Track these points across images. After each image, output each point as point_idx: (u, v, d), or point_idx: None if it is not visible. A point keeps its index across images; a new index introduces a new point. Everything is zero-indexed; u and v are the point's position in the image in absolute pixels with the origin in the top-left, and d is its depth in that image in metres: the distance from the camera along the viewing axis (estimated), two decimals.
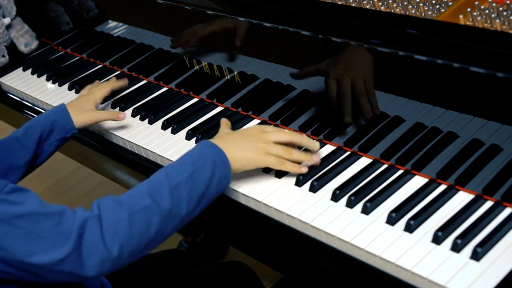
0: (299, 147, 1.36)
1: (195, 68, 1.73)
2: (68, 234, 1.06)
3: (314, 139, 1.42)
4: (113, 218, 1.09)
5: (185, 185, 1.17)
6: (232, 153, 1.25)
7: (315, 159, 1.34)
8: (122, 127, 1.67)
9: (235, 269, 1.55)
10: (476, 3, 1.29)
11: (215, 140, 1.27)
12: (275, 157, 1.29)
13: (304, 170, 1.32)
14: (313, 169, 1.35)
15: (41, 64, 2.09)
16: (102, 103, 1.72)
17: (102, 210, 1.11)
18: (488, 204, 1.18)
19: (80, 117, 1.57)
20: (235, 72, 1.61)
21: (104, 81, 1.87)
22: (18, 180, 1.48)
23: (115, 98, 1.79)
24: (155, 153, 1.54)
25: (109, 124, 1.68)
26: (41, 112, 1.87)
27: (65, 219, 1.07)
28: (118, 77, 1.91)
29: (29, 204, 1.07)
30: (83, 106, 1.61)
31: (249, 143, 1.28)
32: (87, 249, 1.06)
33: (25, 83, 2.02)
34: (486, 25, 1.27)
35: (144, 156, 1.59)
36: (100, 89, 1.68)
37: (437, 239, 1.13)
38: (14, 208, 1.06)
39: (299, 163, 1.33)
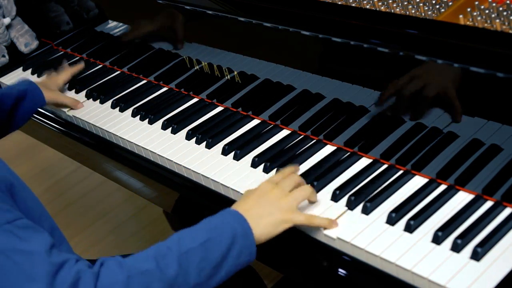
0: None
1: (195, 68, 1.73)
2: (61, 286, 1.00)
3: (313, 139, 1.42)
4: (110, 278, 1.03)
5: (196, 253, 1.08)
6: (256, 222, 1.14)
7: (334, 226, 1.21)
8: (122, 127, 1.67)
9: None
10: (476, 3, 1.29)
11: (240, 209, 1.17)
12: (302, 214, 1.19)
13: (335, 225, 1.21)
14: (313, 169, 1.36)
15: (41, 64, 2.09)
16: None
17: (102, 268, 1.04)
18: (488, 204, 1.18)
19: (48, 94, 1.73)
20: (235, 72, 1.61)
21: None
22: None
23: (112, 99, 1.79)
24: (155, 153, 1.54)
25: (109, 123, 1.69)
26: (41, 112, 1.88)
27: (63, 270, 1.01)
28: (118, 76, 1.92)
29: (35, 243, 1.02)
30: (49, 86, 1.80)
31: (270, 206, 1.17)
32: None
33: None
34: (486, 25, 1.27)
35: (144, 156, 1.59)
36: (62, 74, 1.88)
37: (437, 239, 1.13)
38: (17, 242, 1.02)
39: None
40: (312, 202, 1.25)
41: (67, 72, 1.90)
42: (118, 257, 1.08)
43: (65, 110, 1.80)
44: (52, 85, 1.82)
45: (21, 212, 1.09)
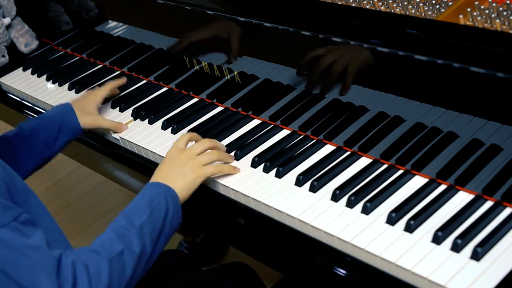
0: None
1: (195, 68, 1.73)
2: (66, 279, 1.08)
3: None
4: (96, 267, 1.12)
5: (147, 225, 1.21)
6: (175, 185, 1.31)
7: (232, 158, 1.44)
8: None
9: (238, 270, 1.55)
10: (476, 3, 1.29)
11: (159, 179, 1.32)
12: (210, 166, 1.37)
13: (239, 170, 1.40)
14: (313, 169, 1.36)
15: (41, 64, 2.09)
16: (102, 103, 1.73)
17: (85, 260, 1.12)
18: (488, 204, 1.18)
19: (86, 120, 1.60)
20: (235, 72, 1.61)
21: (104, 81, 1.88)
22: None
23: (114, 97, 1.79)
24: (155, 153, 1.54)
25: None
26: (41, 112, 1.87)
27: (62, 264, 1.09)
28: (119, 77, 1.91)
29: (37, 238, 1.09)
30: (86, 108, 1.64)
31: (182, 168, 1.34)
32: None
33: (25, 83, 2.02)
34: (486, 25, 1.27)
35: (144, 156, 1.59)
36: (100, 90, 1.72)
37: (437, 239, 1.13)
38: (24, 239, 1.07)
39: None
40: (226, 162, 1.42)
41: (106, 87, 1.73)
42: (85, 247, 1.17)
43: None
44: (90, 106, 1.65)
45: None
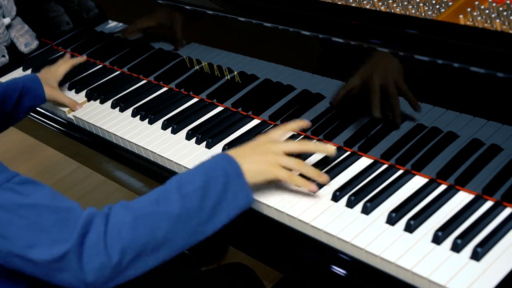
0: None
1: (195, 68, 1.73)
2: (72, 230, 1.05)
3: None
4: (117, 219, 1.08)
5: (196, 194, 1.13)
6: (245, 166, 1.20)
7: (323, 178, 1.28)
8: (122, 127, 1.67)
9: (237, 271, 1.55)
10: (476, 3, 1.29)
11: (231, 153, 1.24)
12: (285, 170, 1.25)
13: (314, 188, 1.26)
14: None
15: (41, 64, 2.08)
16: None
17: (111, 211, 1.10)
18: (488, 204, 1.18)
19: (47, 90, 1.74)
20: (235, 72, 1.61)
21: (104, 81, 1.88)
22: None
23: (112, 99, 1.79)
24: (155, 153, 1.54)
25: (109, 123, 1.69)
26: (41, 112, 1.88)
27: (72, 215, 1.06)
28: (118, 76, 1.92)
29: (37, 196, 1.07)
30: (49, 81, 1.79)
31: (260, 156, 1.24)
32: (88, 250, 1.05)
33: None
34: (486, 25, 1.27)
35: (144, 156, 1.59)
36: (61, 66, 1.86)
37: (437, 239, 1.13)
38: (19, 198, 1.05)
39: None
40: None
41: (67, 63, 1.88)
42: (123, 201, 1.13)
43: (65, 109, 1.80)
44: (52, 79, 1.81)
45: None
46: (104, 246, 1.06)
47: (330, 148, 1.32)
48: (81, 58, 1.95)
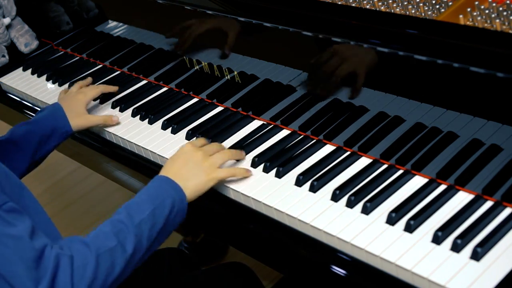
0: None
1: (195, 68, 1.73)
2: (45, 271, 1.06)
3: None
4: (82, 260, 1.10)
5: (146, 222, 1.20)
6: (185, 185, 1.28)
7: (243, 155, 1.43)
8: (122, 127, 1.67)
9: (235, 270, 1.55)
10: (476, 3, 1.29)
11: (170, 175, 1.30)
12: (223, 170, 1.35)
13: (251, 173, 1.38)
14: (313, 169, 1.36)
15: (41, 64, 2.09)
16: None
17: (73, 251, 1.12)
18: (488, 204, 1.18)
19: (76, 121, 1.61)
20: (235, 72, 1.61)
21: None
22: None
23: (112, 100, 1.79)
24: (155, 153, 1.54)
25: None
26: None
27: (44, 256, 1.07)
28: (118, 76, 1.92)
29: (20, 229, 1.08)
30: (76, 109, 1.64)
31: (196, 168, 1.32)
32: None
33: (25, 83, 2.02)
34: (486, 25, 1.27)
35: (144, 156, 1.59)
36: (91, 90, 1.71)
37: (437, 239, 1.13)
38: (6, 227, 1.06)
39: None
40: (238, 160, 1.42)
41: (97, 88, 1.74)
42: (78, 237, 1.16)
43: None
44: (79, 106, 1.65)
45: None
46: (71, 286, 1.08)
47: (242, 154, 1.43)
48: (114, 88, 1.79)
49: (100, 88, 1.75)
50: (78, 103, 1.66)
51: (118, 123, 1.67)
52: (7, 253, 1.05)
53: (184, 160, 1.33)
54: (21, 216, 1.10)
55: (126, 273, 1.17)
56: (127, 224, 1.18)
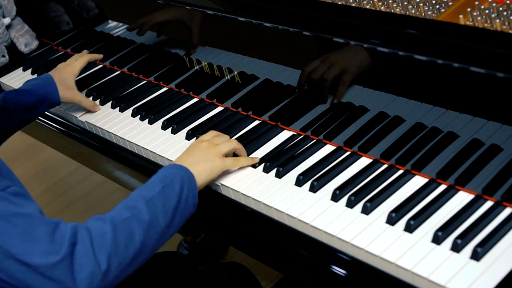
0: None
1: (195, 68, 1.73)
2: (62, 242, 1.06)
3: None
4: (98, 230, 1.11)
5: (158, 198, 1.20)
6: (194, 168, 1.30)
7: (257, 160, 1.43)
8: (122, 127, 1.67)
9: (232, 270, 1.55)
10: (476, 3, 1.29)
11: (177, 161, 1.34)
12: (229, 158, 1.38)
13: (257, 159, 1.42)
14: (313, 169, 1.36)
15: (41, 64, 2.09)
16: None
17: (88, 225, 1.12)
18: (488, 204, 1.18)
19: (64, 94, 1.69)
20: (235, 72, 1.61)
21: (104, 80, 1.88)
22: None
23: (115, 98, 1.79)
24: (155, 153, 1.54)
25: (109, 123, 1.69)
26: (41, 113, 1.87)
27: (60, 228, 1.08)
28: (118, 76, 1.92)
29: (29, 208, 1.08)
30: (67, 81, 1.72)
31: (202, 154, 1.35)
32: (78, 259, 1.07)
33: None
34: (486, 25, 1.27)
35: (144, 156, 1.59)
36: (78, 62, 1.78)
37: (437, 239, 1.13)
38: (14, 207, 1.06)
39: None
40: (240, 154, 1.42)
41: (84, 58, 1.80)
42: (93, 216, 1.17)
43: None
44: (68, 79, 1.73)
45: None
46: (93, 255, 1.08)
47: (251, 160, 1.43)
48: (99, 55, 1.87)
49: (86, 58, 1.80)
50: (67, 75, 1.73)
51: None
52: (17, 233, 1.04)
53: (191, 149, 1.38)
54: (27, 200, 1.10)
55: (148, 246, 1.16)
56: (138, 200, 1.19)
